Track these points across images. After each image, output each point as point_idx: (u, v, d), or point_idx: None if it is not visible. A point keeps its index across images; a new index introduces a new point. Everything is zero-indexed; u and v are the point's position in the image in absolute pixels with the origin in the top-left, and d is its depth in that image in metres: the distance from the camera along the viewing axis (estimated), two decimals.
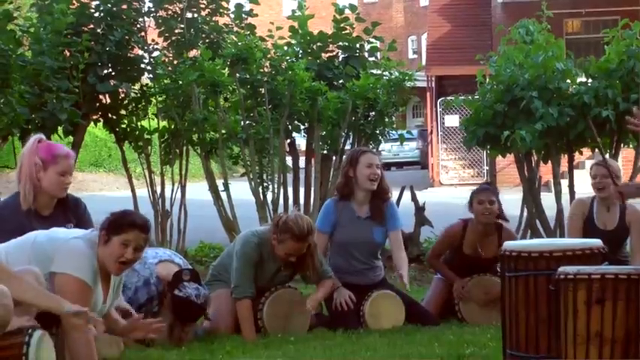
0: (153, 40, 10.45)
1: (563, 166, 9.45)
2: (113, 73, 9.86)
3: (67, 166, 5.34)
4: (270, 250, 6.20)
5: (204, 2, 10.55)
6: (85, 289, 4.41)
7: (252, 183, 9.58)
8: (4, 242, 4.72)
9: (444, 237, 6.93)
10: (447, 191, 21.30)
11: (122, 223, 4.57)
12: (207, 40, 10.50)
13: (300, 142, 10.59)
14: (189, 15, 10.44)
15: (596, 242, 4.46)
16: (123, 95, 9.97)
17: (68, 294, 4.31)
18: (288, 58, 9.69)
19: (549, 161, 9.08)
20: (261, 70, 9.49)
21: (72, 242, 4.49)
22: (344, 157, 9.87)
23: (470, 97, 9.47)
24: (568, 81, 8.81)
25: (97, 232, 4.60)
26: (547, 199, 9.41)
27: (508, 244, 4.60)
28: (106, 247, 4.53)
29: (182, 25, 10.38)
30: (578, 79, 8.93)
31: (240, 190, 10.01)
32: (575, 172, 9.37)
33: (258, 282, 6.21)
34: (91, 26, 9.72)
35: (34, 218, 5.22)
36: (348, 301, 6.34)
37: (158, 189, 10.01)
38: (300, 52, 10.08)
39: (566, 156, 9.20)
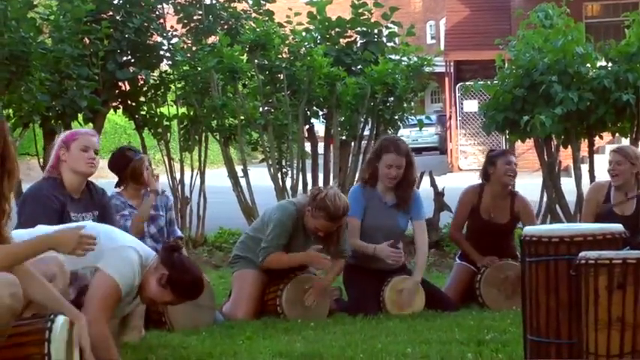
0: (172, 27, 10.48)
1: (583, 150, 9.41)
2: (132, 60, 9.90)
3: (88, 141, 5.42)
4: (300, 221, 6.24)
5: None
6: (116, 297, 4.48)
7: (271, 169, 9.60)
8: (48, 222, 4.77)
9: (463, 198, 6.95)
10: (466, 176, 21.21)
11: (188, 293, 4.68)
12: (225, 27, 10.53)
13: (319, 127, 10.60)
14: (207, 1, 10.47)
15: (618, 227, 4.43)
16: (142, 82, 10.00)
17: (101, 293, 4.42)
18: (306, 43, 9.69)
19: (569, 146, 9.05)
20: (280, 56, 9.49)
21: (129, 251, 4.54)
22: (363, 141, 9.93)
23: (489, 82, 9.44)
24: (588, 65, 8.76)
25: (154, 255, 4.65)
26: (567, 184, 9.38)
27: (528, 229, 4.58)
28: (158, 289, 4.60)
29: (200, 12, 10.41)
30: (598, 63, 8.88)
31: (259, 176, 10.03)
32: (596, 156, 9.34)
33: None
34: (110, 13, 9.76)
35: (68, 200, 5.29)
36: (394, 253, 6.38)
37: (177, 175, 10.05)
38: (319, 37, 10.08)
39: (586, 140, 9.16)
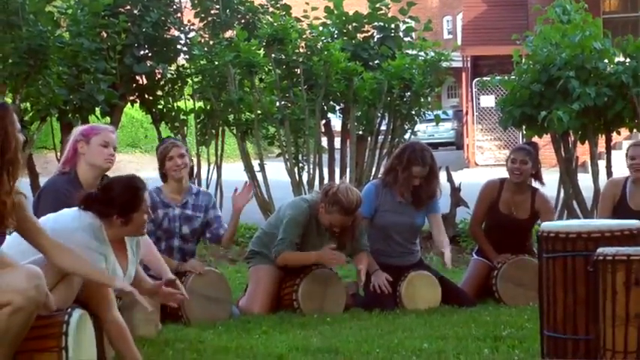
0: (189, 21, 10.49)
1: (601, 146, 9.37)
2: (150, 54, 9.93)
3: (108, 137, 5.41)
4: (316, 219, 6.23)
5: None
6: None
7: (288, 163, 9.61)
8: None
9: (482, 193, 6.93)
10: (483, 172, 21.14)
11: (134, 198, 4.51)
12: (242, 21, 10.54)
13: (336, 122, 10.60)
14: None
15: (635, 223, 4.42)
16: (159, 76, 10.03)
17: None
18: (323, 38, 9.70)
19: (586, 142, 9.02)
20: (297, 51, 9.50)
21: (75, 238, 4.32)
22: (380, 136, 9.92)
23: (506, 77, 9.41)
24: (606, 60, 8.72)
25: (90, 214, 4.44)
26: (584, 180, 9.35)
27: (545, 225, 4.56)
28: (129, 226, 4.50)
29: (218, 6, 10.42)
30: (616, 59, 8.83)
31: (276, 171, 10.03)
32: (613, 152, 9.30)
33: (305, 250, 6.25)
34: (128, 7, 9.79)
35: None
36: (386, 284, 6.35)
37: (194, 169, 10.05)
38: (336, 32, 10.08)
39: (603, 136, 9.13)
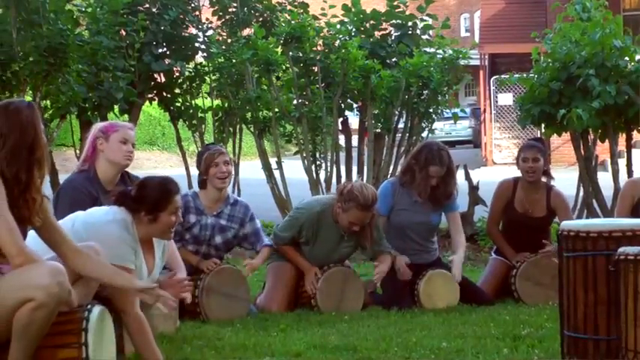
0: (207, 19, 10.51)
1: (621, 144, 9.32)
2: (168, 52, 9.95)
3: (127, 134, 5.44)
4: (332, 219, 6.22)
5: None
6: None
7: (305, 161, 9.60)
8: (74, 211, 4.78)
9: (497, 193, 6.93)
10: (501, 170, 21.05)
11: (163, 198, 4.58)
12: (260, 19, 10.54)
13: (353, 120, 10.59)
14: None
15: None
16: (177, 74, 10.04)
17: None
18: (341, 36, 9.69)
19: (606, 140, 8.97)
20: (314, 49, 9.49)
21: (107, 229, 4.45)
22: (397, 134, 9.89)
23: (524, 75, 9.37)
24: (626, 58, 8.66)
25: (122, 210, 4.55)
26: (603, 179, 9.30)
27: (566, 224, 4.54)
28: (156, 224, 4.57)
29: (236, 4, 10.41)
30: (637, 57, 8.78)
31: (293, 169, 10.03)
32: (633, 150, 9.24)
33: (320, 252, 6.27)
34: (147, 6, 9.82)
35: (101, 192, 5.32)
36: (406, 269, 6.34)
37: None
38: (353, 30, 10.07)
39: (623, 135, 9.07)
